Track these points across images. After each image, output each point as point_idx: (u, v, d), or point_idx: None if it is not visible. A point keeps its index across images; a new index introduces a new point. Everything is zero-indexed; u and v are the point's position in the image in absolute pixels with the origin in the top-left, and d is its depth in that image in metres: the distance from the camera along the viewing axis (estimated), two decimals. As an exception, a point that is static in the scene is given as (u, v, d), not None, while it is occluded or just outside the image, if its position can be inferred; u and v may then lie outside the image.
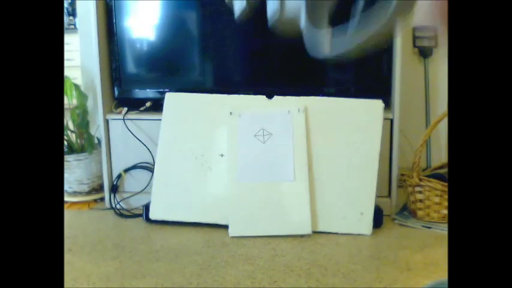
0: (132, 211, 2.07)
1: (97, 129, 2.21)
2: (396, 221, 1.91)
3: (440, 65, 2.30)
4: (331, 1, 0.31)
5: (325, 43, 0.30)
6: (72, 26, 4.27)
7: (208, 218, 1.85)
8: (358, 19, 0.26)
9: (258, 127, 1.85)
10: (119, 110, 2.11)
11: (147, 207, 1.91)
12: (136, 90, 2.14)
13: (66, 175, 2.19)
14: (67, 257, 1.62)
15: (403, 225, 1.88)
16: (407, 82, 2.15)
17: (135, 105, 2.11)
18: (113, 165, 2.13)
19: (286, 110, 1.85)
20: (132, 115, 2.08)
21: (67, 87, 2.21)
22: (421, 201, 1.89)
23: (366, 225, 1.79)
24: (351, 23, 0.26)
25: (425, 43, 2.27)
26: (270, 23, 0.32)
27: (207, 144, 1.89)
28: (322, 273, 1.49)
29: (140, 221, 1.95)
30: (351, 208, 1.80)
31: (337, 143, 1.83)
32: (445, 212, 1.91)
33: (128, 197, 2.12)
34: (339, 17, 0.43)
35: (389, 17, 0.22)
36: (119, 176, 2.13)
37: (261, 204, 1.80)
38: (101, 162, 2.15)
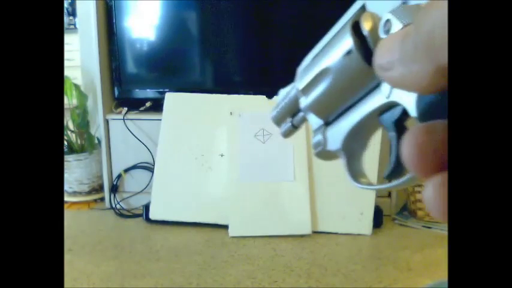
0: (132, 211, 2.07)
1: (97, 129, 2.21)
2: (396, 221, 1.91)
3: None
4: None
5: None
6: (72, 26, 4.28)
7: (208, 218, 1.85)
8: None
9: (258, 127, 1.85)
10: (118, 110, 2.11)
11: (147, 207, 1.91)
12: (137, 90, 2.14)
13: (66, 175, 2.19)
14: (67, 257, 1.62)
15: (403, 225, 1.88)
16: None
17: (135, 105, 2.11)
18: (113, 165, 2.13)
19: (286, 110, 1.85)
20: (132, 115, 2.08)
21: (67, 87, 2.20)
22: (421, 201, 1.89)
23: (366, 225, 1.79)
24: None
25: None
26: (313, 152, 0.36)
27: (207, 144, 1.89)
28: (322, 273, 1.49)
29: (140, 221, 1.94)
30: (351, 208, 1.80)
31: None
32: (445, 212, 1.90)
33: (127, 197, 2.12)
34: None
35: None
36: (119, 176, 2.13)
37: (261, 204, 1.80)
38: (101, 162, 2.15)
